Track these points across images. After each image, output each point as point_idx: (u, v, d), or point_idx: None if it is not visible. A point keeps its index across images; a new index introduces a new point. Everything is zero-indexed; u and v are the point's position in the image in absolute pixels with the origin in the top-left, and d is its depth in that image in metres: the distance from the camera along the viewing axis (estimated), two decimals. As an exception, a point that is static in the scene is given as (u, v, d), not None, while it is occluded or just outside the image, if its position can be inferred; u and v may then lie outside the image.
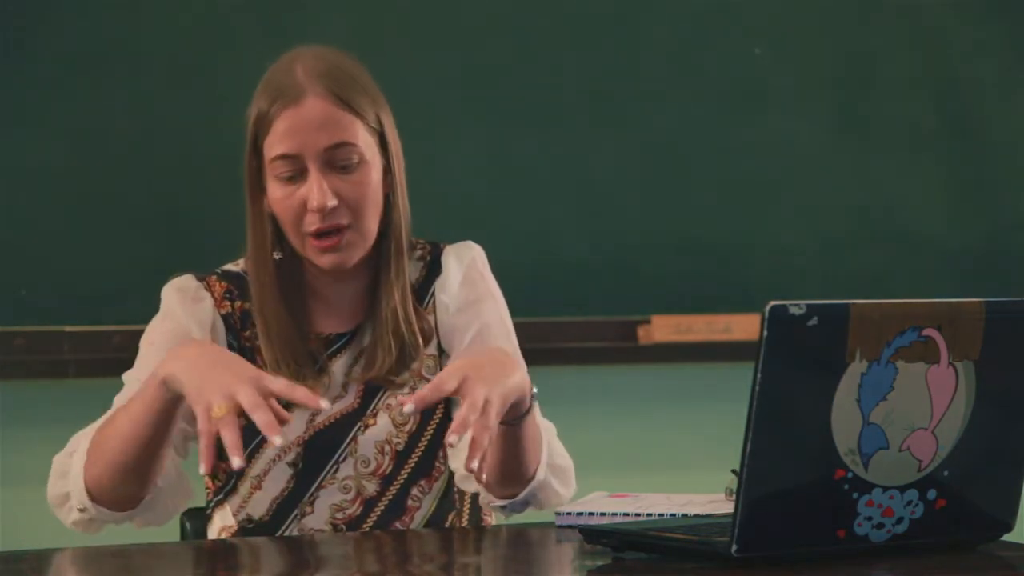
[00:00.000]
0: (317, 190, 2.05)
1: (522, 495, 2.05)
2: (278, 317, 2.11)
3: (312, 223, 2.07)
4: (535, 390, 1.98)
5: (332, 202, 2.05)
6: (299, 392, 1.80)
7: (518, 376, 1.93)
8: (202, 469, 1.75)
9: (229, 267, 2.19)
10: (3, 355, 3.12)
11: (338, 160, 2.07)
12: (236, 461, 1.73)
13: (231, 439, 1.74)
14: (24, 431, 3.20)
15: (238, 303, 2.14)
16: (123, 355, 2.89)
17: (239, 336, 2.13)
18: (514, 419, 1.95)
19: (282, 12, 3.23)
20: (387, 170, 2.13)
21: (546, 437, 2.08)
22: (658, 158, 3.45)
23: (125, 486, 1.95)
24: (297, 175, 2.07)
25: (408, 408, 1.84)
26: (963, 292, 3.10)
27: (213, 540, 2.12)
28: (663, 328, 3.44)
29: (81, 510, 1.96)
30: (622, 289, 3.43)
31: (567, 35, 3.40)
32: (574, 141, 3.41)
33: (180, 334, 2.10)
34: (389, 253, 2.14)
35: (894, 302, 1.61)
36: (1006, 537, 1.75)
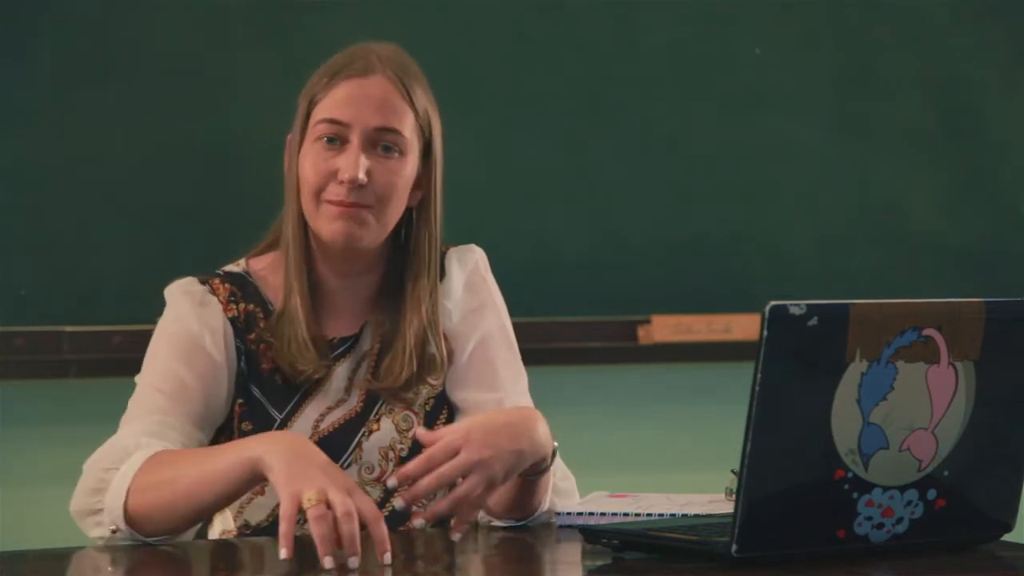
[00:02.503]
0: (354, 162, 2.04)
1: (524, 521, 2.03)
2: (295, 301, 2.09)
3: (336, 193, 2.05)
4: (556, 444, 1.94)
5: (364, 178, 2.04)
6: (380, 529, 1.71)
7: (536, 438, 1.89)
8: (282, 554, 1.67)
9: (230, 268, 2.17)
10: (3, 355, 3.12)
11: (382, 143, 2.07)
12: (328, 561, 1.66)
13: (322, 533, 1.67)
14: (24, 431, 3.20)
15: (243, 305, 2.11)
16: (123, 355, 2.90)
17: (245, 339, 2.10)
18: (532, 474, 1.93)
19: (283, 12, 3.23)
20: (422, 179, 2.12)
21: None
22: (658, 158, 3.45)
23: (170, 526, 1.90)
24: (338, 143, 2.06)
25: (391, 482, 1.80)
26: (963, 292, 3.10)
27: (213, 540, 2.12)
28: (663, 328, 3.44)
29: (114, 531, 1.90)
30: (622, 289, 3.43)
31: (567, 34, 3.40)
32: (574, 141, 3.41)
33: (193, 338, 2.07)
34: (422, 266, 2.13)
35: (894, 302, 1.61)
36: (1006, 537, 1.75)
